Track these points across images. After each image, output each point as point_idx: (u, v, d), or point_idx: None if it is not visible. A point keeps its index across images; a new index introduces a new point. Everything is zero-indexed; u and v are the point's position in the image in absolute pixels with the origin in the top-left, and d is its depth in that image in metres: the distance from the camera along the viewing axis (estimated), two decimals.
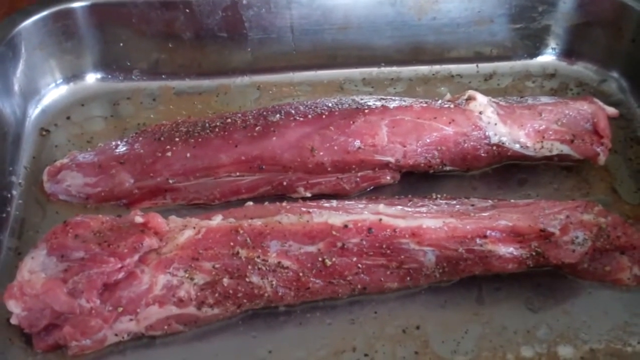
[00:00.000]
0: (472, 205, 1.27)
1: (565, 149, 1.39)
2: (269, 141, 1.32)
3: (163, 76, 1.62)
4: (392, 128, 1.34)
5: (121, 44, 1.59)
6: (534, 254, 1.19)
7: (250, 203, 1.27)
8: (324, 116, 1.34)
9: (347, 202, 1.27)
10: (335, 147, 1.32)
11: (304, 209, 1.21)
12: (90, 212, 1.30)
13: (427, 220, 1.19)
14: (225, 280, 1.13)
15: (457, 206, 1.26)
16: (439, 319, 1.19)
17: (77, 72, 1.59)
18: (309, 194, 1.36)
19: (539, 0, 1.62)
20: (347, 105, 1.37)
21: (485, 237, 1.18)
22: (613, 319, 1.20)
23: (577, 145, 1.38)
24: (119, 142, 1.38)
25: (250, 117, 1.37)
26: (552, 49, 1.69)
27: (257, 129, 1.33)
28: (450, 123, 1.36)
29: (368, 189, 1.39)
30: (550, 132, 1.38)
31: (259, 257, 1.14)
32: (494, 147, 1.37)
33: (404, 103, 1.38)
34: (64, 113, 1.54)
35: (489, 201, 1.30)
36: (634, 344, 1.16)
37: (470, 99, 1.39)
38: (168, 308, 1.13)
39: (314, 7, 1.58)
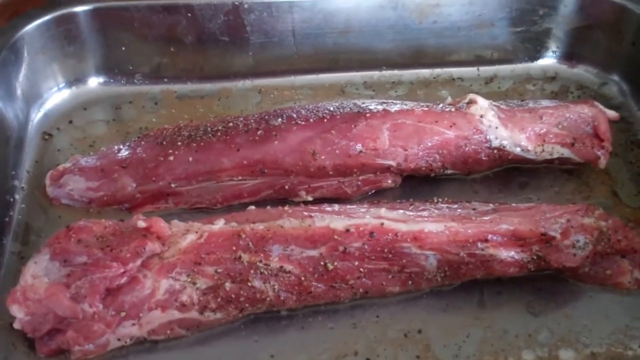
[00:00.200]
0: (474, 209, 1.27)
1: (566, 153, 1.39)
2: (271, 145, 1.32)
3: (165, 80, 1.63)
4: (393, 132, 1.34)
5: (123, 48, 1.59)
6: (535, 257, 1.19)
7: (253, 207, 1.28)
8: (325, 120, 1.34)
9: (349, 206, 1.27)
10: (337, 151, 1.33)
11: (306, 213, 1.21)
12: (92, 216, 1.30)
13: (429, 224, 1.19)
14: (228, 285, 1.14)
15: (459, 210, 1.26)
16: (441, 323, 1.20)
17: (79, 76, 1.59)
18: (310, 198, 1.36)
19: (540, 3, 1.63)
20: (348, 109, 1.37)
21: (486, 241, 1.18)
22: (614, 322, 1.20)
23: (578, 149, 1.39)
24: (121, 146, 1.38)
25: (252, 121, 1.37)
26: (553, 52, 1.69)
27: (258, 133, 1.33)
28: (451, 127, 1.36)
29: (369, 193, 1.39)
30: (551, 136, 1.39)
31: (261, 261, 1.14)
32: (495, 151, 1.38)
33: (405, 107, 1.39)
34: (66, 117, 1.54)
35: (490, 205, 1.30)
36: (635, 347, 1.17)
37: (471, 102, 1.40)
38: (170, 312, 1.13)
39: (316, 11, 1.58)
